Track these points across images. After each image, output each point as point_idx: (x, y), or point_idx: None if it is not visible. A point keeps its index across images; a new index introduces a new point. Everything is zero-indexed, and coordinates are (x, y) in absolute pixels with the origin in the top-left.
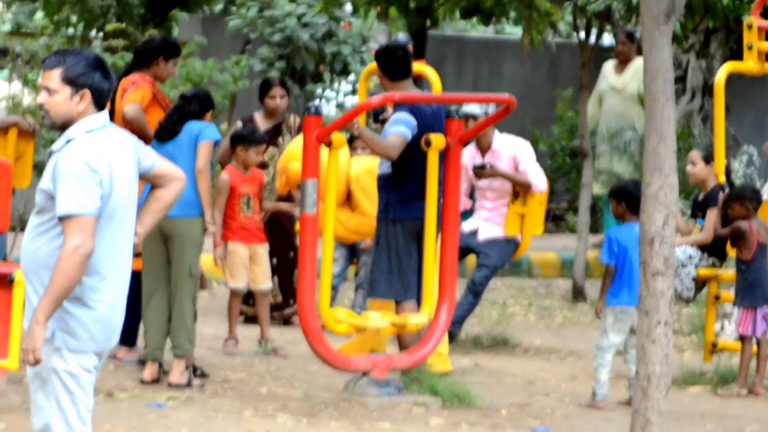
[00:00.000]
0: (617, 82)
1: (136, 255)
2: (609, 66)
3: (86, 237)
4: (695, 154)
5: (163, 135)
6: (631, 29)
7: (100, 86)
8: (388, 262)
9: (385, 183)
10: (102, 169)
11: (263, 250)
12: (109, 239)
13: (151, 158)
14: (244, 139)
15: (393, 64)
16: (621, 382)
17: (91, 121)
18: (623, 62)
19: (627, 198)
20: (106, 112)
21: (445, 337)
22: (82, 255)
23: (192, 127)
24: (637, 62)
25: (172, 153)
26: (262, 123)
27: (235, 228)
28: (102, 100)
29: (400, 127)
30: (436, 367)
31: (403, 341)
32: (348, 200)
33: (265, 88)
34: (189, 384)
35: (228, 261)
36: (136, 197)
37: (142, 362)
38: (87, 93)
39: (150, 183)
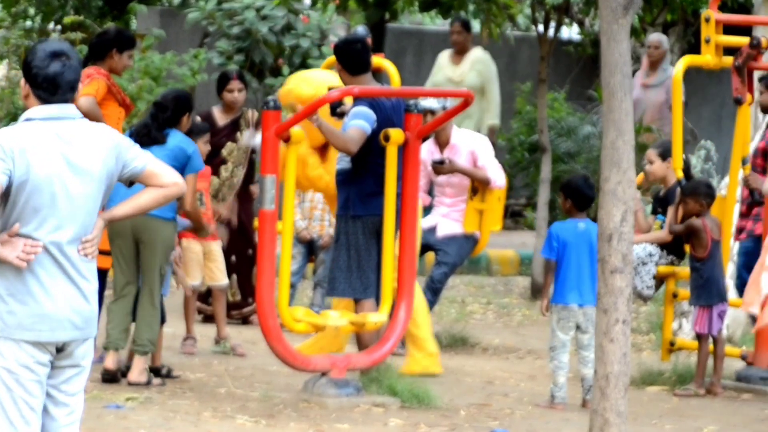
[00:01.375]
0: (454, 74)
1: (106, 253)
2: (444, 56)
3: None
4: (651, 153)
5: (142, 140)
6: (465, 18)
7: (36, 79)
8: (348, 259)
9: (344, 178)
10: (13, 149)
11: (217, 246)
12: (38, 234)
13: (142, 161)
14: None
15: (352, 58)
16: (580, 382)
17: (33, 111)
18: (459, 53)
19: (574, 194)
20: (54, 106)
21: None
22: None
23: (181, 142)
24: (474, 53)
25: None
26: (220, 117)
27: None
28: (42, 93)
29: (359, 121)
30: (429, 369)
31: (362, 340)
32: (322, 150)
33: (222, 81)
34: (148, 383)
35: (182, 258)
36: (90, 195)
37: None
38: (25, 85)
39: (142, 183)
